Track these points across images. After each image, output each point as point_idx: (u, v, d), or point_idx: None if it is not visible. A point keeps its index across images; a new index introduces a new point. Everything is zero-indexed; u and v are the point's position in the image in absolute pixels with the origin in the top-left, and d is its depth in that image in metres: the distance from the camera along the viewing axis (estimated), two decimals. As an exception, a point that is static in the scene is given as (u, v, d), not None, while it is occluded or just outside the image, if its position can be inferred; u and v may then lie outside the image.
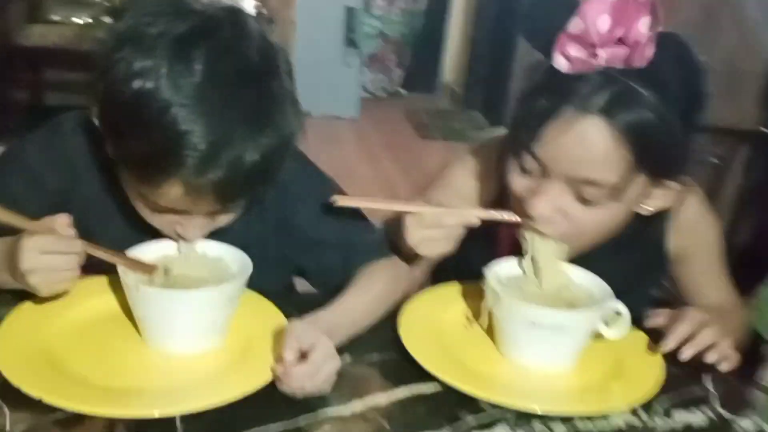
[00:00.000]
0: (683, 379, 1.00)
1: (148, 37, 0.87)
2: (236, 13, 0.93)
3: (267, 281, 1.03)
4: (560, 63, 0.96)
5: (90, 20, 4.27)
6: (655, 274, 1.25)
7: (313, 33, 4.61)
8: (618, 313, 0.99)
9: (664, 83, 0.95)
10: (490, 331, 1.03)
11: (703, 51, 2.76)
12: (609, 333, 1.00)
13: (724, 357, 1.01)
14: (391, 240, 1.11)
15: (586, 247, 1.06)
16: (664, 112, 0.94)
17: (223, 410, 0.84)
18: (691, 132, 1.00)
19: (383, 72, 5.91)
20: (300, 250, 1.13)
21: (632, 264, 1.16)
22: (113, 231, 1.02)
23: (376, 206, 1.07)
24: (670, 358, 1.02)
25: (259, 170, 0.90)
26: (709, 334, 1.01)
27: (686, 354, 1.00)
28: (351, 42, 5.04)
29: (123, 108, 0.88)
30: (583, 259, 1.06)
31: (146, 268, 0.95)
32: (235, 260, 0.99)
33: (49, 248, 0.88)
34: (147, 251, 0.97)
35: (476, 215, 1.04)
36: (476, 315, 1.05)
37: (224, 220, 0.99)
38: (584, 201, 0.99)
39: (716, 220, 1.24)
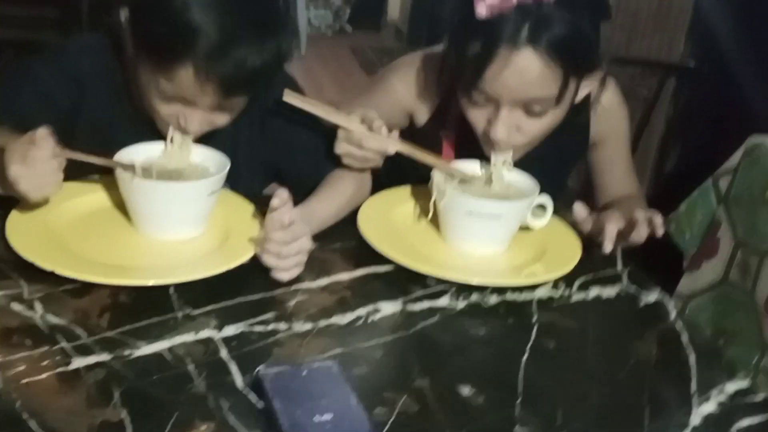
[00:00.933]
0: (600, 261, 1.18)
1: None
2: None
3: (254, 184, 1.20)
4: (481, 10, 1.09)
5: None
6: (580, 153, 1.44)
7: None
8: (543, 206, 1.16)
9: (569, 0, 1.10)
10: (435, 221, 1.18)
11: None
12: (535, 223, 1.17)
13: (659, 225, 1.17)
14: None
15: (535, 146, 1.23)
16: (577, 23, 1.10)
17: (209, 281, 0.98)
18: (599, 30, 1.16)
19: (325, 8, 5.95)
20: (278, 154, 1.27)
21: (563, 146, 1.34)
22: (118, 145, 1.11)
23: (317, 112, 1.18)
24: (588, 243, 1.19)
25: (258, 73, 1.04)
26: (642, 220, 1.15)
27: (610, 246, 1.15)
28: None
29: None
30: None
31: (124, 167, 1.06)
32: (215, 159, 1.12)
33: (31, 155, 0.96)
34: (137, 151, 1.09)
35: (395, 147, 1.17)
36: (424, 210, 1.20)
37: (221, 120, 1.12)
38: (533, 114, 1.15)
39: (628, 112, 1.43)
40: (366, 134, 1.16)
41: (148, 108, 1.11)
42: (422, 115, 1.36)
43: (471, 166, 1.21)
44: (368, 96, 1.37)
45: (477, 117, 1.19)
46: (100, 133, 1.14)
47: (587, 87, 1.22)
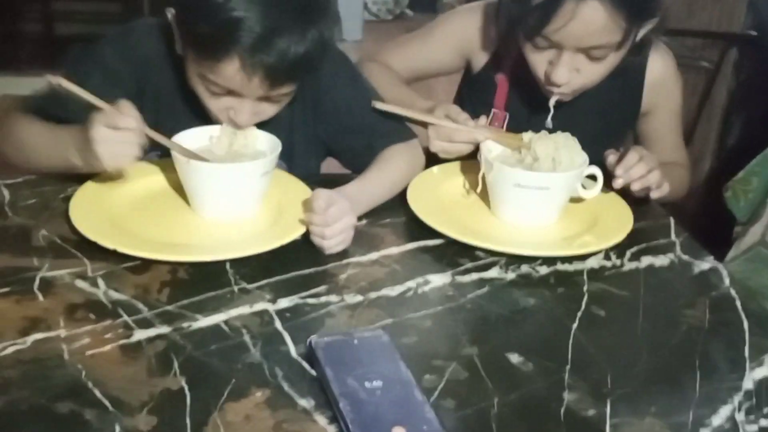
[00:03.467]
0: (652, 231, 1.18)
1: None
2: None
3: (310, 163, 1.25)
4: None
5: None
6: (631, 120, 1.45)
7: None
8: (593, 177, 1.16)
9: None
10: (484, 195, 1.19)
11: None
12: (585, 194, 1.17)
13: (660, 181, 1.20)
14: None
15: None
16: None
17: (264, 257, 1.01)
18: None
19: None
20: (332, 132, 1.30)
21: (614, 113, 1.38)
22: (180, 123, 1.16)
23: (407, 114, 1.25)
24: (641, 214, 1.19)
25: (301, 61, 1.06)
26: (648, 161, 1.19)
27: (618, 182, 1.18)
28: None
29: None
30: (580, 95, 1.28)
31: (193, 156, 1.10)
32: (269, 141, 1.15)
33: (114, 123, 1.01)
34: (195, 134, 1.14)
35: (484, 135, 1.20)
36: (472, 185, 1.21)
37: (269, 111, 1.15)
38: (594, 59, 1.20)
39: (681, 84, 1.44)
40: (454, 128, 1.20)
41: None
42: (479, 60, 1.41)
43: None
44: (426, 37, 1.43)
45: (538, 60, 1.23)
46: (163, 112, 1.19)
47: (645, 29, 1.24)
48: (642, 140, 1.47)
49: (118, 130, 1.01)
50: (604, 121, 1.38)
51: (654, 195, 1.21)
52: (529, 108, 1.36)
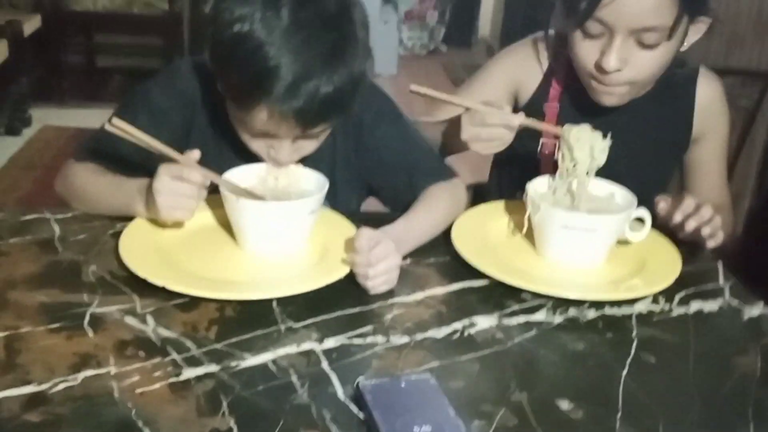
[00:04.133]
0: (701, 275, 1.16)
1: None
2: None
3: (351, 201, 1.25)
4: None
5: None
6: (682, 138, 1.44)
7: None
8: (641, 220, 1.15)
9: None
10: (529, 236, 1.19)
11: (734, -1, 2.82)
12: (633, 236, 1.16)
13: (717, 230, 1.19)
14: (453, 139, 1.26)
15: (644, 88, 1.29)
16: None
17: (310, 296, 1.01)
18: None
19: (421, 29, 6.01)
20: (374, 170, 1.30)
21: (665, 118, 1.38)
22: (226, 160, 1.18)
23: (442, 97, 1.22)
24: (689, 257, 1.17)
25: (332, 101, 1.07)
26: (707, 210, 1.18)
27: (690, 226, 1.17)
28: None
29: (226, 47, 1.06)
30: (631, 116, 1.30)
31: (242, 193, 1.11)
32: (315, 179, 1.16)
33: (178, 174, 1.05)
34: (243, 172, 1.15)
35: (519, 120, 1.18)
36: (518, 225, 1.21)
37: (309, 147, 1.16)
38: (644, 46, 1.20)
39: (730, 114, 1.44)
40: (489, 110, 1.17)
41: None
42: (526, 92, 1.43)
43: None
44: (476, 81, 1.46)
45: (588, 50, 1.24)
46: (209, 150, 1.20)
47: (695, 34, 1.26)
48: (689, 171, 1.47)
49: (181, 182, 1.05)
50: (654, 147, 1.39)
51: (710, 244, 1.20)
52: None
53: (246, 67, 1.04)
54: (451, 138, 1.30)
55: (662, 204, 1.20)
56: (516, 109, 1.39)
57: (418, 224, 1.18)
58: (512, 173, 1.41)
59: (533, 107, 1.41)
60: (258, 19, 1.03)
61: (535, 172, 1.30)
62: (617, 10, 1.17)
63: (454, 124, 1.24)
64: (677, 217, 1.18)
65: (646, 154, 1.32)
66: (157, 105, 1.22)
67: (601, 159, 1.14)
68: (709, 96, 1.41)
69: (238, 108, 1.11)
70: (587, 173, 1.15)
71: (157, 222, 1.12)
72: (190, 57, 1.27)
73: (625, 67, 1.22)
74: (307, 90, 1.04)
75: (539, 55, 1.42)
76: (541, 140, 1.39)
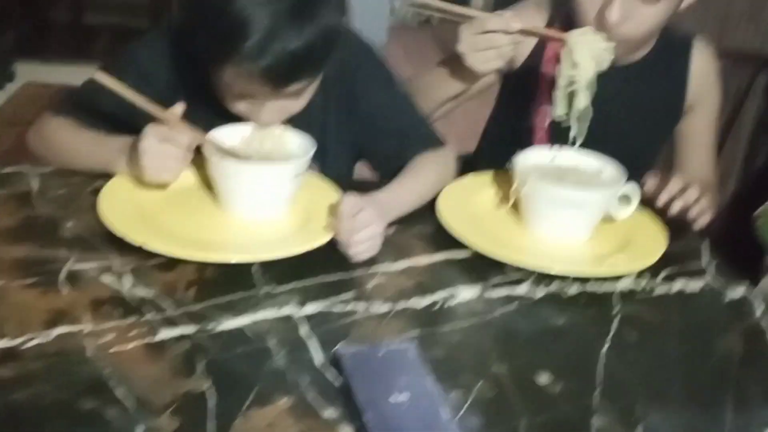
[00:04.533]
0: (685, 254, 1.16)
1: None
2: None
3: (342, 165, 1.23)
4: None
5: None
6: (675, 108, 1.43)
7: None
8: (628, 196, 1.14)
9: None
10: (515, 209, 1.18)
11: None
12: (619, 213, 1.15)
13: (703, 211, 1.19)
14: (452, 65, 1.25)
15: (638, 46, 1.28)
16: None
17: (291, 261, 1.00)
18: None
19: (413, -4, 5.94)
20: (365, 136, 1.28)
21: (659, 84, 1.38)
22: (212, 123, 1.14)
23: (443, 6, 1.21)
24: (674, 235, 1.17)
25: (302, 58, 1.03)
26: (694, 191, 1.18)
27: (675, 207, 1.17)
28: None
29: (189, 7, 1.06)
30: (623, 75, 1.27)
31: (225, 153, 1.09)
32: (301, 142, 1.13)
33: (166, 136, 1.04)
34: (228, 132, 1.13)
35: (518, 24, 1.16)
36: (505, 198, 1.20)
37: (293, 107, 1.13)
38: (646, 1, 1.19)
39: (722, 86, 1.44)
40: (488, 16, 1.16)
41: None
42: (525, 47, 1.38)
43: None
44: None
45: (592, 2, 1.22)
46: (195, 113, 1.18)
47: None
48: (680, 143, 1.47)
49: (168, 144, 1.03)
50: (648, 112, 1.38)
51: (697, 225, 1.20)
52: None
53: (214, 25, 1.02)
54: (444, 76, 1.29)
55: (650, 182, 1.20)
56: (514, 67, 1.39)
57: (404, 193, 1.17)
58: (501, 145, 1.38)
59: (531, 65, 1.38)
60: None
61: (525, 144, 1.29)
62: None
63: (451, 60, 1.24)
64: (663, 198, 1.17)
65: (640, 119, 1.31)
66: (144, 66, 1.20)
67: (603, 62, 1.15)
68: (704, 66, 1.41)
69: (209, 69, 1.08)
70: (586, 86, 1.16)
71: (137, 181, 1.10)
72: (175, 22, 1.24)
73: (625, 21, 1.21)
74: (274, 47, 1.01)
75: (539, 14, 1.38)
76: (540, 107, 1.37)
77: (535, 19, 1.38)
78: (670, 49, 1.32)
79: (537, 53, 1.38)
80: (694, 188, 1.18)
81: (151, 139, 1.04)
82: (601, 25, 1.21)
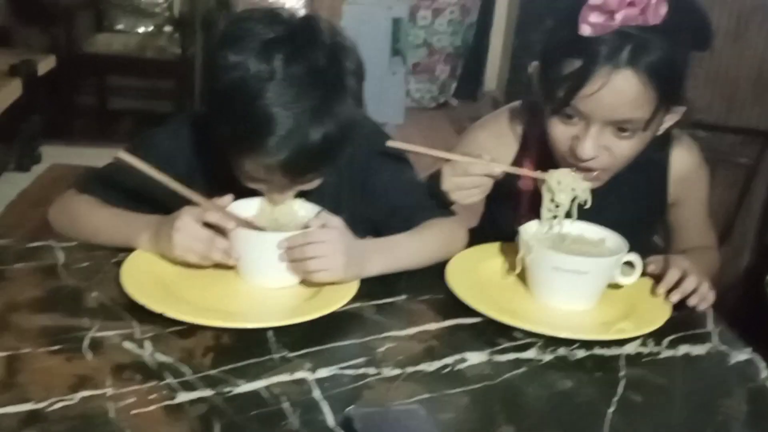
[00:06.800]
0: (690, 320, 1.18)
1: (242, 40, 1.09)
2: (311, 22, 1.13)
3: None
4: (585, 30, 1.14)
5: (152, 29, 4.51)
6: (658, 205, 1.45)
7: (361, 42, 4.78)
8: (631, 264, 1.18)
9: (670, 26, 1.13)
10: (522, 277, 1.21)
11: (735, 56, 2.91)
12: (623, 280, 1.18)
13: (703, 299, 1.20)
14: (435, 190, 1.28)
15: (617, 172, 1.27)
16: (675, 49, 1.15)
17: (305, 327, 1.04)
18: (689, 61, 1.20)
19: (430, 81, 6.08)
20: (378, 212, 1.32)
21: (640, 187, 1.39)
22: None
23: (421, 151, 1.24)
24: (677, 305, 1.19)
25: (318, 152, 1.10)
26: (691, 281, 1.19)
27: (674, 298, 1.19)
28: (397, 51, 5.23)
29: (220, 95, 1.10)
30: (606, 188, 1.28)
31: (240, 224, 1.14)
32: (314, 213, 1.18)
33: (201, 218, 1.10)
34: (242, 205, 1.18)
35: (501, 168, 1.21)
36: (511, 267, 1.23)
37: (307, 186, 1.19)
38: (620, 136, 1.19)
39: (707, 172, 1.45)
40: (471, 161, 1.20)
41: None
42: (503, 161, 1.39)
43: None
44: (456, 150, 1.43)
45: (564, 134, 1.22)
46: (212, 195, 1.23)
47: (670, 120, 1.25)
48: (671, 228, 1.49)
49: (202, 227, 1.09)
50: (632, 212, 1.39)
51: (701, 307, 1.21)
52: None
53: (238, 120, 1.08)
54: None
55: (651, 267, 1.23)
56: None
57: (401, 245, 1.21)
58: (505, 208, 1.43)
59: (508, 180, 1.35)
60: (251, 70, 1.07)
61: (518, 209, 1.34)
62: (594, 103, 1.15)
63: (434, 176, 1.28)
64: (660, 290, 1.19)
65: (625, 221, 1.30)
66: (164, 150, 1.25)
67: (583, 199, 1.18)
68: (684, 165, 1.40)
69: (229, 155, 1.15)
70: (569, 214, 1.19)
71: (156, 255, 1.15)
72: (197, 109, 1.31)
73: (600, 154, 1.21)
74: (295, 145, 1.07)
75: (513, 129, 1.42)
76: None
77: (509, 132, 1.42)
78: (648, 152, 1.28)
79: (517, 163, 1.40)
80: (692, 277, 1.19)
81: (188, 218, 1.09)
82: (575, 157, 1.22)
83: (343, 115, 1.11)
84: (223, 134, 1.13)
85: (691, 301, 1.19)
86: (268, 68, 1.07)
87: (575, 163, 1.23)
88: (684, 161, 1.41)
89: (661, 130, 1.26)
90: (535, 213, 1.23)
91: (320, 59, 1.10)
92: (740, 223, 2.70)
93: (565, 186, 1.18)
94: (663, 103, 1.18)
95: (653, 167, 1.38)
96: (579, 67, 1.15)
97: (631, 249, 1.18)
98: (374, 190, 1.32)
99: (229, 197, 1.13)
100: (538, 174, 1.22)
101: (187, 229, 1.10)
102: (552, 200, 1.20)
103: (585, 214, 1.22)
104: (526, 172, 1.27)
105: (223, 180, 1.23)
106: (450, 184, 1.22)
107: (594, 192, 1.22)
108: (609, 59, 1.13)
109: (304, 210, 1.20)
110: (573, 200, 1.20)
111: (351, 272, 1.12)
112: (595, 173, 1.24)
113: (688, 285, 1.19)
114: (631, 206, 1.39)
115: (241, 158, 1.13)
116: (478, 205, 1.29)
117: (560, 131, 1.23)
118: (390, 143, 1.24)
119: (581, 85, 1.15)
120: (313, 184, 1.19)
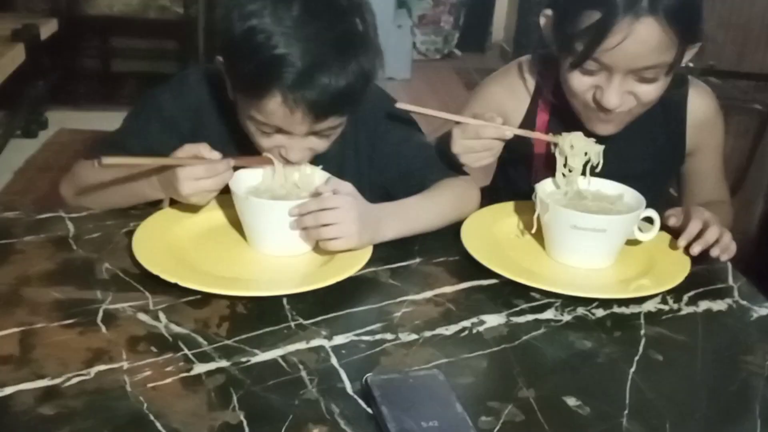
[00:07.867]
0: (710, 275, 1.17)
1: None
2: None
3: None
4: None
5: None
6: (677, 153, 1.43)
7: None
8: (650, 219, 1.16)
9: None
10: (538, 236, 1.19)
11: (746, 3, 2.85)
12: (642, 236, 1.16)
13: (725, 249, 1.18)
14: (444, 152, 1.27)
15: (635, 117, 1.26)
16: None
17: (320, 294, 1.03)
18: None
19: (435, 33, 6.01)
20: (388, 178, 1.31)
21: (658, 137, 1.38)
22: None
23: (431, 113, 1.23)
24: (698, 258, 1.18)
25: (343, 94, 1.08)
26: (713, 232, 1.17)
27: (696, 250, 1.17)
28: (402, 3, 5.16)
29: (237, 41, 1.08)
30: (625, 137, 1.27)
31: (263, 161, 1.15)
32: (323, 180, 1.15)
33: (201, 175, 1.08)
34: (252, 173, 1.17)
35: (512, 131, 1.20)
36: (527, 226, 1.21)
37: (320, 146, 1.17)
38: (645, 81, 1.18)
39: (722, 121, 1.44)
40: (482, 123, 1.18)
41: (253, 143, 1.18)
42: (514, 121, 1.38)
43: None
44: (468, 107, 1.41)
45: (584, 85, 1.21)
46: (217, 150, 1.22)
47: (688, 55, 1.23)
48: (686, 179, 1.47)
49: (207, 180, 1.09)
50: (649, 166, 1.38)
51: (723, 258, 1.19)
52: None
53: (257, 55, 1.06)
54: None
55: (672, 219, 1.21)
56: None
57: (414, 207, 1.19)
58: (519, 167, 1.41)
59: (521, 141, 1.35)
60: (269, 12, 1.05)
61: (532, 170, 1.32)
62: (617, 54, 1.14)
63: (443, 138, 1.26)
64: (681, 242, 1.17)
65: (642, 173, 1.28)
66: (168, 112, 1.24)
67: (596, 162, 1.17)
68: (701, 111, 1.39)
69: (250, 99, 1.11)
70: (584, 177, 1.18)
71: (169, 220, 1.14)
72: (200, 65, 1.29)
73: (627, 100, 1.20)
74: (320, 81, 1.06)
75: (525, 81, 1.40)
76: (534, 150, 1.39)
77: (521, 85, 1.40)
78: (666, 99, 1.27)
79: (530, 116, 1.39)
80: (714, 228, 1.17)
81: (188, 183, 1.09)
82: (600, 107, 1.21)
83: (365, 60, 1.10)
84: (244, 76, 1.10)
85: (714, 252, 1.17)
86: (287, 7, 1.06)
87: (596, 112, 1.22)
88: (701, 107, 1.39)
89: (682, 63, 1.24)
90: (550, 171, 1.21)
91: (340, 1, 1.09)
92: (753, 170, 2.67)
93: (578, 150, 1.16)
94: (683, 43, 1.16)
95: (671, 112, 1.37)
96: (598, 20, 1.13)
97: (649, 200, 1.16)
98: (384, 155, 1.30)
99: (204, 144, 1.11)
100: (550, 137, 1.21)
101: (196, 190, 1.10)
102: (565, 165, 1.18)
103: (606, 164, 1.20)
104: (538, 135, 1.25)
105: (228, 140, 1.21)
106: (460, 146, 1.20)
107: (611, 147, 1.20)
108: (629, 8, 1.11)
109: (316, 176, 1.17)
110: (586, 164, 1.18)
111: (365, 238, 1.10)
112: (618, 118, 1.23)
113: (710, 236, 1.17)
114: (649, 157, 1.38)
115: (263, 98, 1.08)
116: (490, 165, 1.26)
117: (580, 83, 1.21)
118: (399, 105, 1.22)
119: (602, 38, 1.13)
120: (323, 144, 1.17)
